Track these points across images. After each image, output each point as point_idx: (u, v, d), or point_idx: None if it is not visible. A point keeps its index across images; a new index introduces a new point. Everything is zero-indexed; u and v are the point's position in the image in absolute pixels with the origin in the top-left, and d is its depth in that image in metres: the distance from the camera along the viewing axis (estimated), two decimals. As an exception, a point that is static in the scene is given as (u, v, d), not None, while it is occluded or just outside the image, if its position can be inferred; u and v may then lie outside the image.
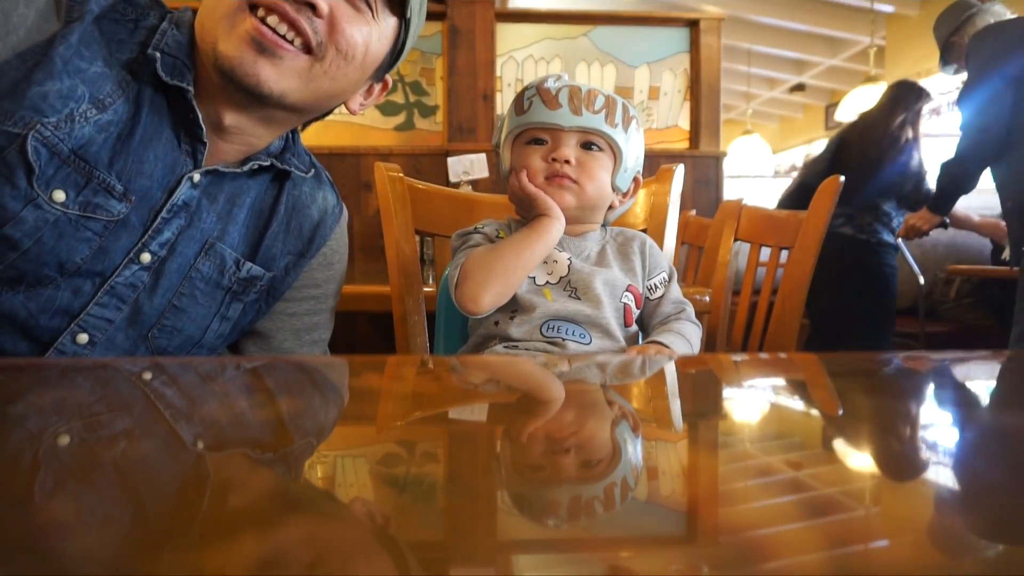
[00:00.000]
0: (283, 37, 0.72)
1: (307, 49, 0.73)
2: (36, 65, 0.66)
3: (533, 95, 0.89)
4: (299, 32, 0.72)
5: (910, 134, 2.68)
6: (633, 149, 0.92)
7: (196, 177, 0.76)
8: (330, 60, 0.75)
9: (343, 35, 0.74)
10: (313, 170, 0.90)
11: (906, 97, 2.75)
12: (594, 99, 0.88)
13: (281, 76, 0.73)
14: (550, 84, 0.89)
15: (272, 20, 0.71)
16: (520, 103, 0.91)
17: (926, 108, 2.76)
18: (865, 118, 2.80)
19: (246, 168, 0.80)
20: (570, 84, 0.89)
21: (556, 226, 0.87)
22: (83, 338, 0.73)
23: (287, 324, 0.92)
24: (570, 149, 0.88)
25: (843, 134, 2.87)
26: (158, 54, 0.72)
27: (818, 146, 8.20)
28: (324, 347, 0.97)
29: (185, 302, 0.79)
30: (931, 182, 2.60)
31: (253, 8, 0.71)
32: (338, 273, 0.95)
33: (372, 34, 0.77)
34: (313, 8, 0.72)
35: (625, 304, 0.90)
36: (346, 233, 0.95)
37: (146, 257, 0.74)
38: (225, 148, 0.80)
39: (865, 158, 2.67)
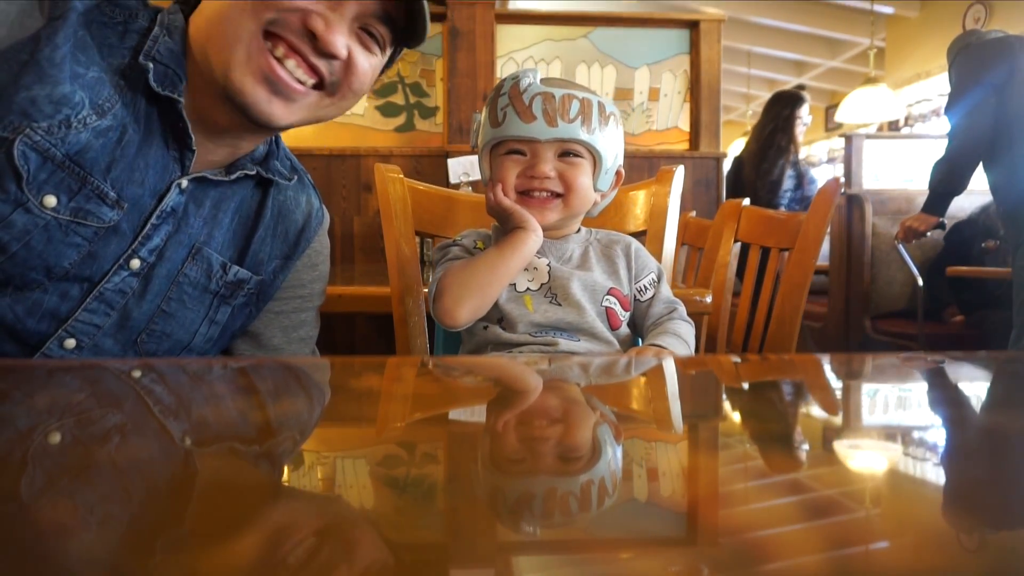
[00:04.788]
0: (299, 80, 0.73)
1: (319, 86, 0.75)
2: (23, 68, 0.64)
3: (506, 105, 0.87)
4: (316, 73, 0.73)
5: (784, 141, 3.25)
6: (612, 148, 0.90)
7: (184, 183, 0.76)
8: (341, 95, 0.77)
9: (357, 76, 0.76)
10: (296, 175, 0.90)
11: (776, 107, 3.34)
12: (569, 106, 0.86)
13: (291, 112, 0.74)
14: (523, 85, 0.87)
15: (291, 64, 0.72)
16: (494, 113, 0.88)
17: (801, 111, 3.31)
18: (750, 133, 3.42)
19: (233, 177, 0.81)
20: (543, 90, 0.86)
21: (532, 239, 0.86)
22: (70, 343, 0.73)
23: (275, 322, 0.93)
24: (548, 164, 0.87)
25: (742, 152, 3.43)
26: (151, 64, 0.71)
27: (818, 147, 8.22)
28: (312, 344, 0.99)
29: (173, 307, 0.79)
30: (810, 181, 3.28)
31: (268, 36, 0.70)
32: (322, 274, 0.97)
33: (378, 66, 0.79)
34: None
35: (607, 307, 0.90)
36: (327, 235, 0.97)
37: (135, 263, 0.74)
38: (212, 152, 0.80)
39: (756, 169, 3.27)
